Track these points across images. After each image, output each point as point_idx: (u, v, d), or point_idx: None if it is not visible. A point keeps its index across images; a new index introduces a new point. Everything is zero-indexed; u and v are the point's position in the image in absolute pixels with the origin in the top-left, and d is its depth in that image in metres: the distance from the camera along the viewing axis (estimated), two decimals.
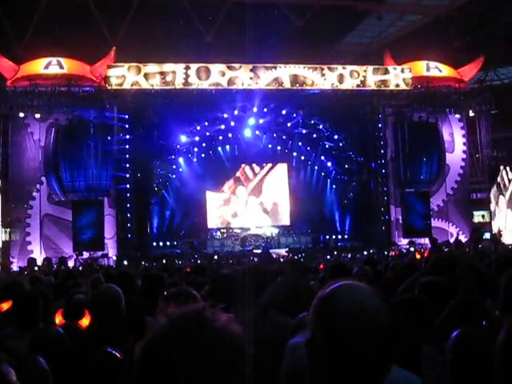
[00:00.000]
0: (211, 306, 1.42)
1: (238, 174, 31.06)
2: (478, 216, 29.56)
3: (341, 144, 29.41)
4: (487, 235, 25.22)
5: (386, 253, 23.14)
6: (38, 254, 22.87)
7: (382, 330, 1.68)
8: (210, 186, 30.49)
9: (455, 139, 28.07)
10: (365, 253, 24.01)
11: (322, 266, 11.35)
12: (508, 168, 27.76)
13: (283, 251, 26.53)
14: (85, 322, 4.63)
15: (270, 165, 31.40)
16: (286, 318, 4.14)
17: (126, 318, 4.25)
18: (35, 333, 4.15)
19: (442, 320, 3.85)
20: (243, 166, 31.06)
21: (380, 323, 1.68)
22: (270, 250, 20.81)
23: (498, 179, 27.98)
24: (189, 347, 1.32)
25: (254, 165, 31.17)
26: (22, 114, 23.50)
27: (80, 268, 17.90)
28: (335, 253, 25.20)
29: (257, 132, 29.43)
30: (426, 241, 25.69)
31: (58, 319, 4.77)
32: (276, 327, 3.81)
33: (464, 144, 28.28)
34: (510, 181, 27.57)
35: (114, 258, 23.85)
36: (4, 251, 23.38)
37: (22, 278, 7.58)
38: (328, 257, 22.58)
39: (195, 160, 29.88)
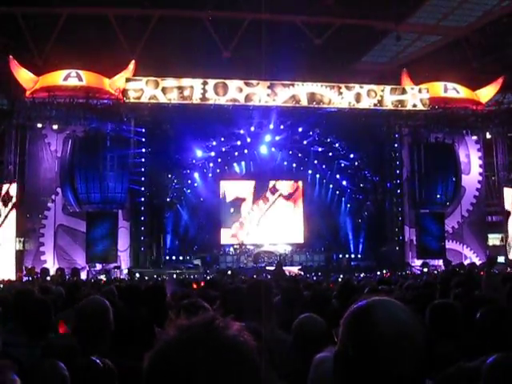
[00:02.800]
0: (221, 316, 1.37)
1: (252, 190, 31.03)
2: (493, 239, 29.28)
3: (356, 163, 29.33)
4: (502, 259, 24.97)
5: (399, 273, 22.94)
6: (51, 265, 22.93)
7: (418, 348, 1.64)
8: (225, 200, 30.55)
9: (471, 161, 27.95)
10: (378, 273, 23.84)
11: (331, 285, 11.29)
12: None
13: (296, 269, 26.44)
14: None
15: (284, 182, 31.37)
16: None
17: (134, 330, 4.17)
18: (47, 341, 4.11)
19: None
20: (258, 182, 31.03)
21: (417, 341, 1.64)
22: (283, 267, 20.73)
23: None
24: (199, 357, 1.26)
25: (269, 181, 31.11)
26: (39, 125, 23.71)
27: (92, 280, 17.98)
28: (348, 272, 25.04)
29: (272, 149, 29.43)
30: (440, 262, 25.58)
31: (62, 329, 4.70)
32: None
33: (480, 166, 28.15)
34: None
35: (125, 271, 23.83)
36: (18, 260, 23.44)
37: (33, 287, 7.58)
38: (341, 276, 22.42)
39: (210, 175, 29.91)
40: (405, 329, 1.64)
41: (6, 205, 23.49)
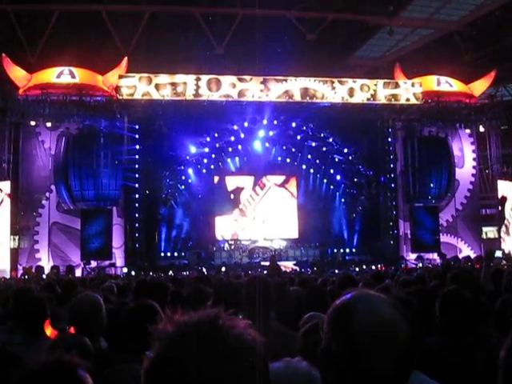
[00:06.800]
0: (225, 312, 1.29)
1: (246, 185, 31.02)
2: (487, 232, 29.35)
3: (350, 157, 29.31)
4: (499, 253, 25.02)
5: (392, 267, 22.99)
6: (46, 262, 22.89)
7: (399, 344, 1.58)
8: (218, 197, 30.55)
9: (465, 154, 28.00)
10: (373, 267, 23.90)
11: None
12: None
13: (291, 264, 26.48)
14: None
15: (278, 177, 31.36)
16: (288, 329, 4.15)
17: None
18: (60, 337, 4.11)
19: None
20: (252, 177, 31.01)
21: (398, 337, 1.59)
22: (278, 262, 20.72)
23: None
24: (204, 357, 1.19)
25: (263, 177, 31.11)
26: (33, 123, 23.64)
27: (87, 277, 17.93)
28: (343, 266, 25.10)
29: (266, 144, 29.39)
30: (435, 256, 25.70)
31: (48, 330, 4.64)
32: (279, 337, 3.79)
33: (474, 159, 28.20)
34: None
35: (125, 269, 23.75)
36: (12, 258, 23.41)
37: (31, 284, 7.56)
38: (336, 270, 22.47)
39: (204, 171, 29.87)
40: (385, 324, 1.60)
41: None
